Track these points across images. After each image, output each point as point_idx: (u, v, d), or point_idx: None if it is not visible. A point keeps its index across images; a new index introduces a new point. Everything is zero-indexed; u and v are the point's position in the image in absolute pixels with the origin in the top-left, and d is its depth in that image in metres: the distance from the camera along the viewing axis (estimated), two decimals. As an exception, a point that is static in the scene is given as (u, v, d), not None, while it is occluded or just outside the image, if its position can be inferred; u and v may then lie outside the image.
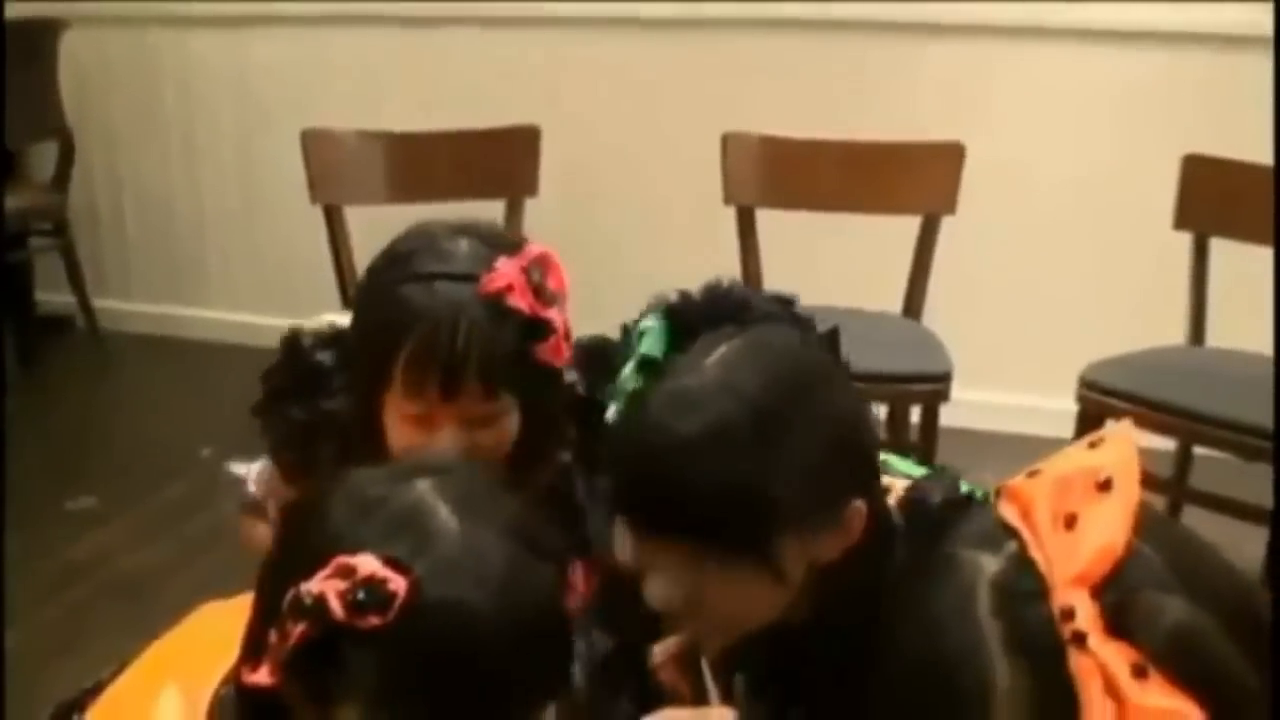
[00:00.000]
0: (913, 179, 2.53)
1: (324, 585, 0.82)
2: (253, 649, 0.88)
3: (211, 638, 0.97)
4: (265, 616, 0.87)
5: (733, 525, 0.99)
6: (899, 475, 1.15)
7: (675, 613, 1.05)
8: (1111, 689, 0.73)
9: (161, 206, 4.07)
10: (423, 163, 2.61)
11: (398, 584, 0.81)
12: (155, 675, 0.99)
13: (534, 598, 0.85)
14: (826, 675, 1.03)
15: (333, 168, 2.54)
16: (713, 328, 1.11)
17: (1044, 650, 0.75)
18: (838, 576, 1.06)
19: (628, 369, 1.11)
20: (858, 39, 3.24)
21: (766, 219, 2.57)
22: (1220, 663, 0.75)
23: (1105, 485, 0.78)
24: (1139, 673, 0.73)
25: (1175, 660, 0.74)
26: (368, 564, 0.82)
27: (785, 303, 1.29)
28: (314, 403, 1.36)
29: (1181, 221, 2.49)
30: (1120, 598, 0.75)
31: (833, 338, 1.25)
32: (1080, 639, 0.74)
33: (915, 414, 2.41)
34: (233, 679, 0.92)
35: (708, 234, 2.64)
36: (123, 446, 3.47)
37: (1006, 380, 3.20)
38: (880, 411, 2.35)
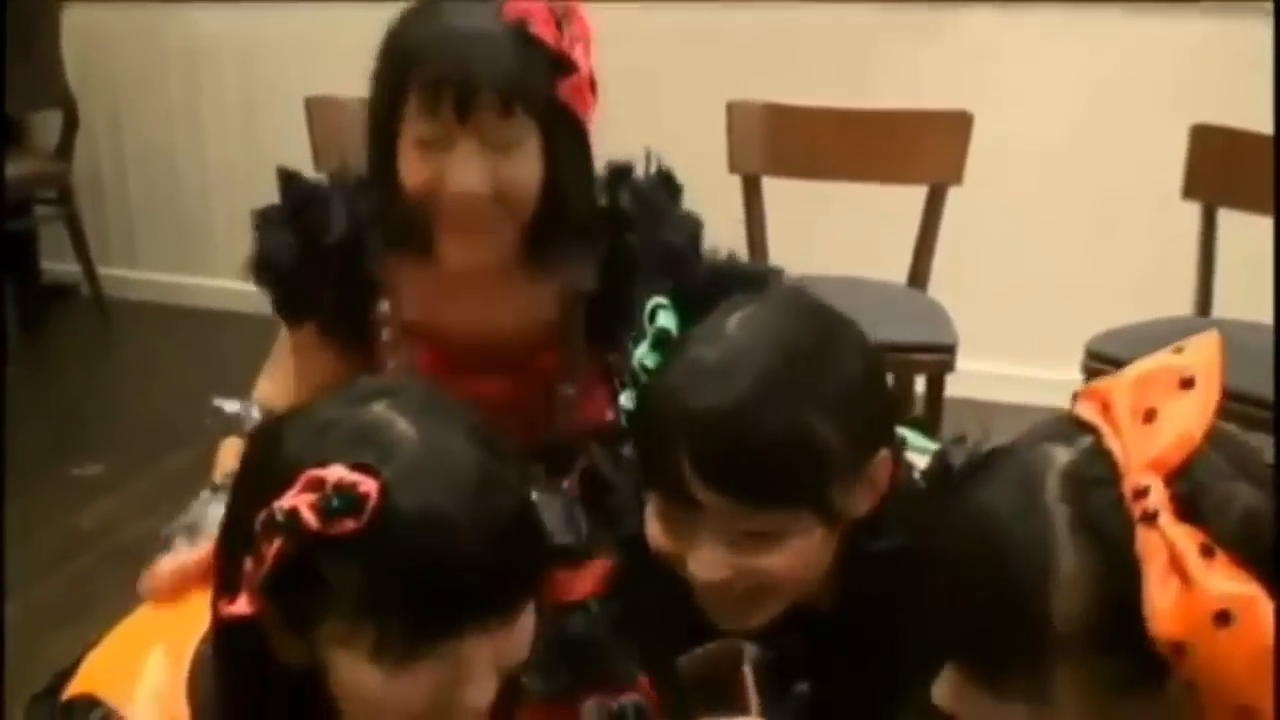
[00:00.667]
0: (919, 148, 2.51)
1: (295, 499, 0.82)
2: (227, 582, 0.88)
3: (196, 599, 0.98)
4: (237, 546, 0.87)
5: (791, 475, 0.99)
6: (916, 451, 1.14)
7: (723, 584, 1.04)
8: (1178, 568, 0.73)
9: (166, 174, 4.06)
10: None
11: (369, 485, 0.82)
12: (139, 636, 1.00)
13: (503, 497, 0.86)
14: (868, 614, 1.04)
15: (337, 136, 2.53)
16: (722, 296, 1.10)
17: (1111, 530, 0.76)
18: (866, 539, 1.06)
19: (642, 348, 1.10)
20: (864, 8, 3.21)
21: (772, 188, 2.55)
22: None
23: (1187, 383, 0.79)
24: (1207, 552, 0.73)
25: (1244, 544, 0.74)
26: (336, 471, 0.83)
27: (775, 274, 1.28)
28: (311, 234, 1.34)
29: (1190, 192, 2.47)
30: (1192, 487, 0.75)
31: None
32: (1150, 518, 0.74)
33: (920, 384, 2.41)
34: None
35: (711, 202, 2.62)
36: (128, 415, 3.47)
37: (1012, 351, 3.19)
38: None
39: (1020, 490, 0.80)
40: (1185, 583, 0.73)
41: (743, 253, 2.52)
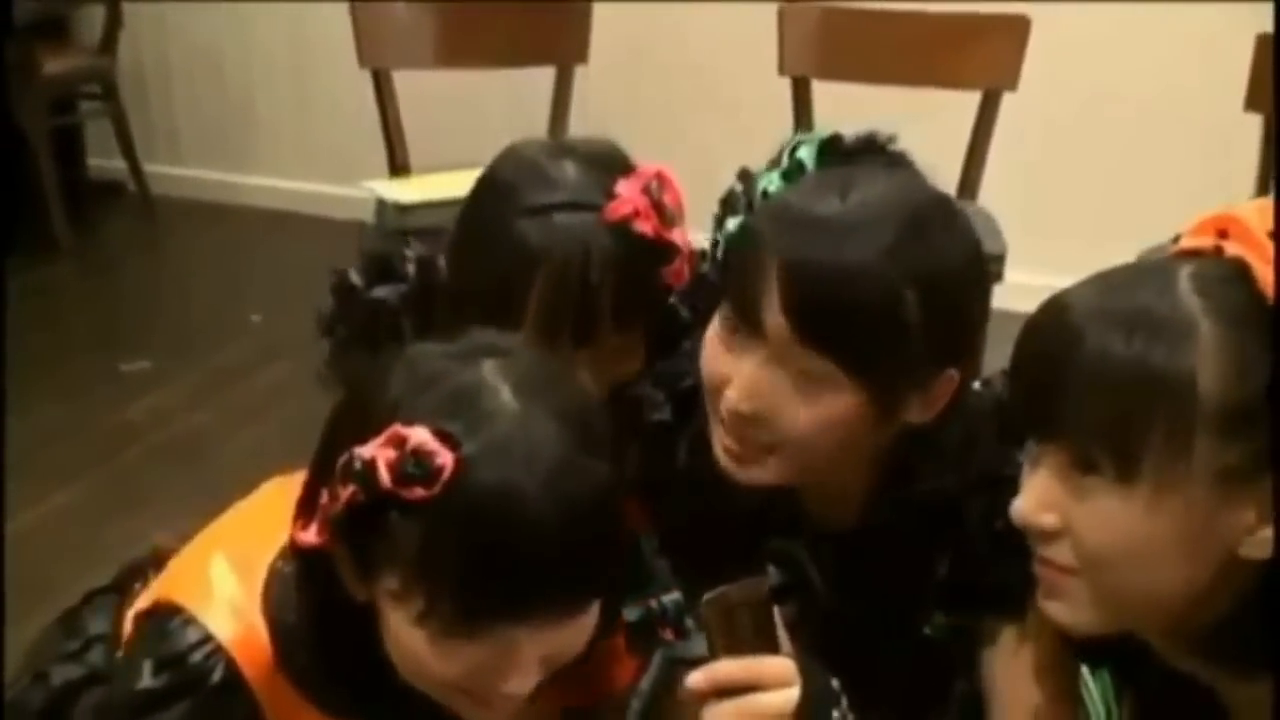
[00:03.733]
0: (974, 52, 2.45)
1: (376, 452, 0.83)
2: (306, 507, 0.90)
3: (274, 512, 0.99)
4: (320, 476, 0.88)
5: (865, 331, 0.98)
6: None
7: (749, 420, 1.03)
8: None
9: (210, 71, 4.04)
10: (472, 27, 2.57)
11: (445, 458, 0.82)
12: (217, 547, 1.01)
13: (584, 489, 0.85)
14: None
15: (381, 31, 2.51)
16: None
17: (1250, 311, 0.80)
18: (909, 467, 1.06)
19: (772, 175, 1.08)
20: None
21: (822, 91, 2.51)
22: None
23: None
24: None
25: None
26: (419, 435, 0.83)
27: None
28: (379, 351, 1.30)
29: (1252, 103, 2.41)
30: None
31: None
32: None
33: (967, 295, 2.39)
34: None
35: (760, 105, 2.59)
36: (174, 311, 3.51)
37: (1062, 263, 3.10)
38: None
39: (1150, 288, 0.83)
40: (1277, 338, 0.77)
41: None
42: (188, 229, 3.96)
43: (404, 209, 2.20)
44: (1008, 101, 2.46)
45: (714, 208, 1.23)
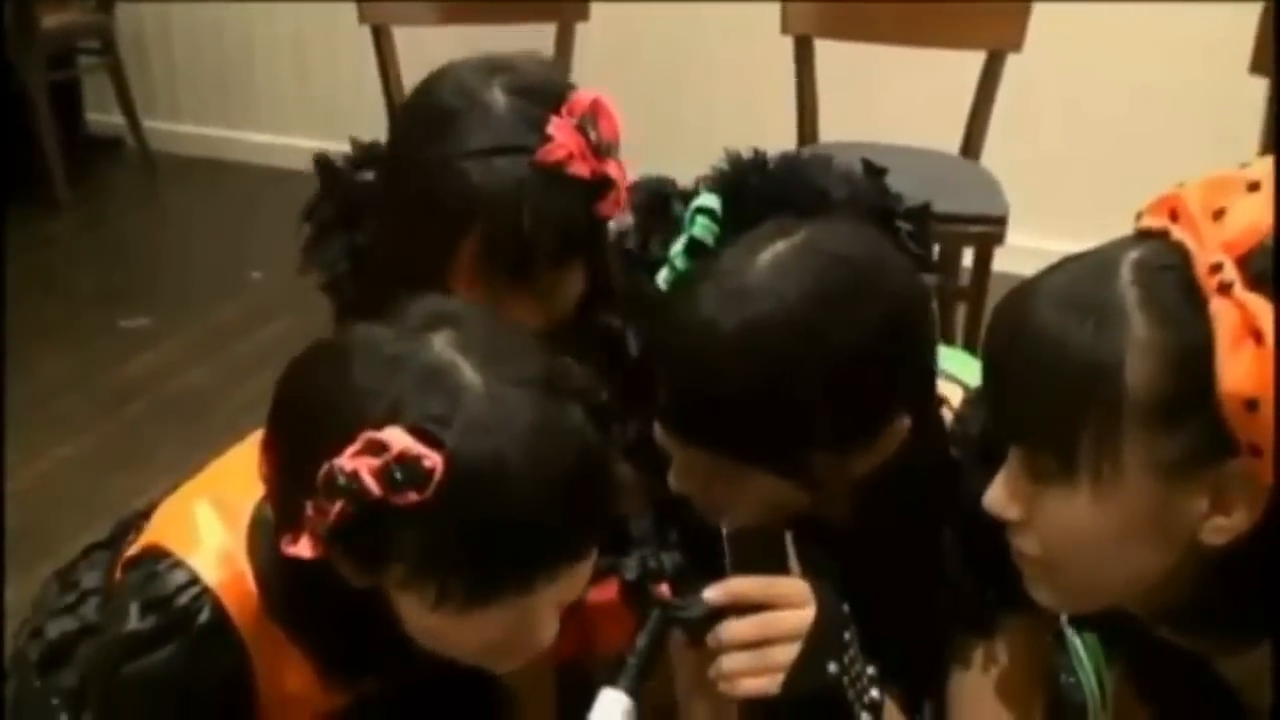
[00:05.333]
0: (979, 12, 2.43)
1: (356, 463, 0.81)
2: (287, 519, 0.87)
3: (243, 453, 0.99)
4: (295, 486, 0.86)
5: (757, 436, 0.97)
6: (950, 380, 1.11)
7: (695, 500, 1.05)
8: (1251, 329, 0.76)
9: (210, 26, 4.01)
10: (473, -16, 2.55)
11: (433, 460, 0.81)
12: (202, 494, 1.01)
13: (565, 445, 0.85)
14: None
15: (381, -12, 2.49)
16: (775, 211, 1.05)
17: (1181, 307, 0.80)
18: (881, 483, 1.05)
19: (678, 246, 1.08)
20: None
21: (825, 50, 2.49)
22: None
23: (1254, 186, 0.81)
24: None
25: None
26: (399, 439, 0.81)
27: (876, 173, 1.22)
28: (362, 234, 1.31)
29: (1257, 66, 2.39)
30: (1261, 269, 0.78)
31: (922, 215, 1.20)
32: (1226, 288, 0.77)
33: (968, 257, 2.38)
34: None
35: (763, 63, 2.57)
36: (174, 268, 3.51)
37: (1064, 226, 3.11)
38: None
39: (1093, 277, 0.83)
40: (1259, 343, 0.76)
41: (792, 117, 2.49)
42: (187, 185, 3.95)
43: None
44: (1012, 62, 2.44)
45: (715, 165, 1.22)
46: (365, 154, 1.34)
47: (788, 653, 0.94)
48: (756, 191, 1.10)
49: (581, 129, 1.14)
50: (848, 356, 0.96)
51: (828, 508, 1.10)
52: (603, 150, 1.15)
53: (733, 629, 0.95)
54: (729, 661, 0.95)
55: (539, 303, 1.16)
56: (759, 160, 1.21)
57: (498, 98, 1.15)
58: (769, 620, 0.94)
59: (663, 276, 1.09)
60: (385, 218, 1.24)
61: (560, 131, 1.12)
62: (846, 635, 0.97)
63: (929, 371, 1.05)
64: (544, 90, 1.17)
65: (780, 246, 0.99)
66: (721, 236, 1.05)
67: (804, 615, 0.94)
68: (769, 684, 0.94)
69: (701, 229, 1.05)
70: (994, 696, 1.07)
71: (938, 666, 1.10)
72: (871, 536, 1.10)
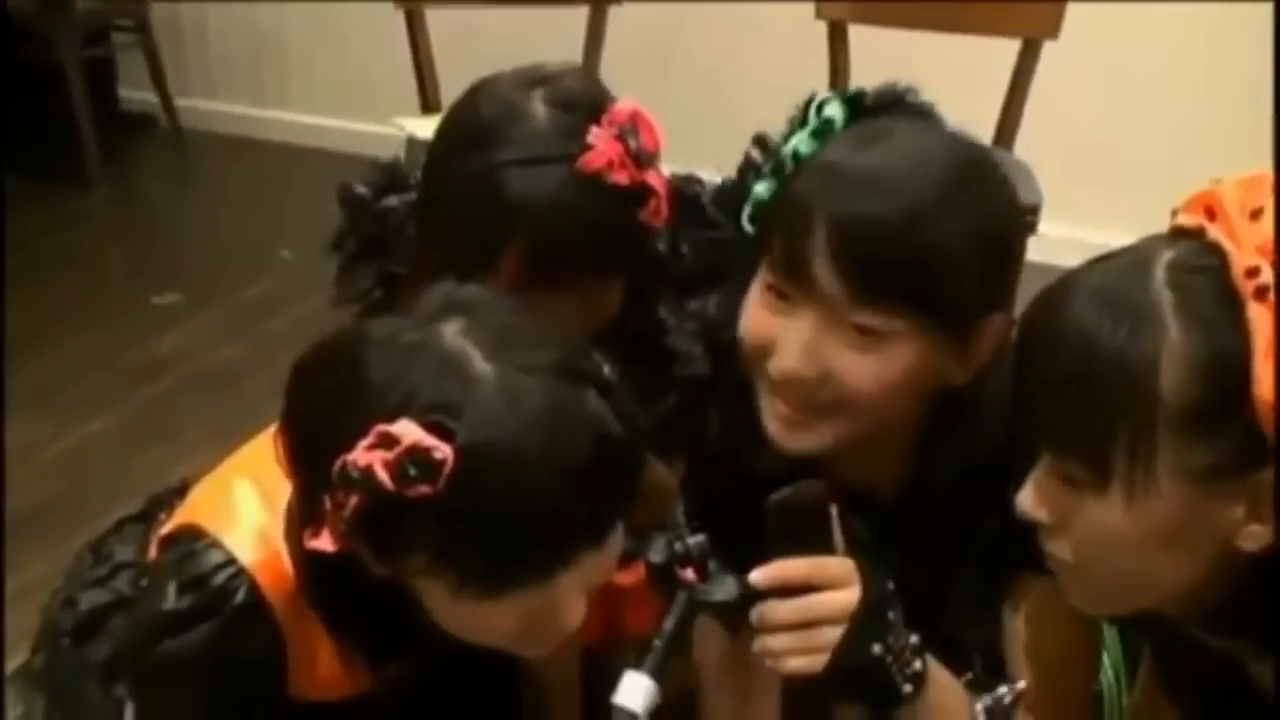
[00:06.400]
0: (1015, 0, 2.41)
1: (369, 456, 0.81)
2: (308, 514, 0.88)
3: None
4: (314, 480, 0.86)
5: (920, 276, 0.98)
6: None
7: (800, 384, 1.02)
8: None
9: (242, 4, 4.02)
10: (506, -35, 2.54)
11: (444, 452, 0.81)
12: (241, 474, 1.02)
13: (579, 431, 0.85)
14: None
15: (414, -32, 2.49)
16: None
17: (1217, 311, 0.78)
18: (943, 436, 1.05)
19: (801, 135, 1.06)
20: None
21: (859, 36, 2.47)
22: None
23: None
24: None
25: None
26: (410, 432, 0.81)
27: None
28: (389, 261, 1.30)
29: (1298, 56, 2.36)
30: None
31: None
32: (1262, 292, 0.76)
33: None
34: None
35: (796, 48, 2.56)
36: (205, 245, 3.52)
37: (1099, 217, 3.10)
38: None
39: (1127, 279, 0.82)
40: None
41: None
42: (219, 163, 3.96)
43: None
44: (1050, 49, 2.42)
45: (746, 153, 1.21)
46: (388, 179, 1.33)
47: (833, 634, 0.93)
48: (875, 99, 1.10)
49: (621, 138, 1.14)
50: (998, 209, 1.03)
51: (878, 474, 1.10)
52: (643, 160, 1.15)
53: (778, 611, 0.94)
54: (774, 641, 0.95)
55: (578, 310, 1.15)
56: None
57: (538, 108, 1.15)
58: (814, 603, 0.94)
59: (763, 187, 1.08)
60: (422, 232, 1.24)
61: (600, 140, 1.13)
62: (891, 615, 0.96)
63: (1018, 269, 1.08)
64: (584, 101, 1.17)
65: (918, 125, 1.06)
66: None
67: (850, 596, 0.94)
68: (813, 664, 0.94)
69: (833, 108, 1.06)
70: (1057, 632, 1.06)
71: (985, 619, 1.10)
72: (921, 504, 1.09)
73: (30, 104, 3.57)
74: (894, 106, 1.09)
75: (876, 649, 0.95)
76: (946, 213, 0.98)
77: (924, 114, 1.10)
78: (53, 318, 2.91)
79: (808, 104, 1.09)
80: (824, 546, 0.95)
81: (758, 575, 0.95)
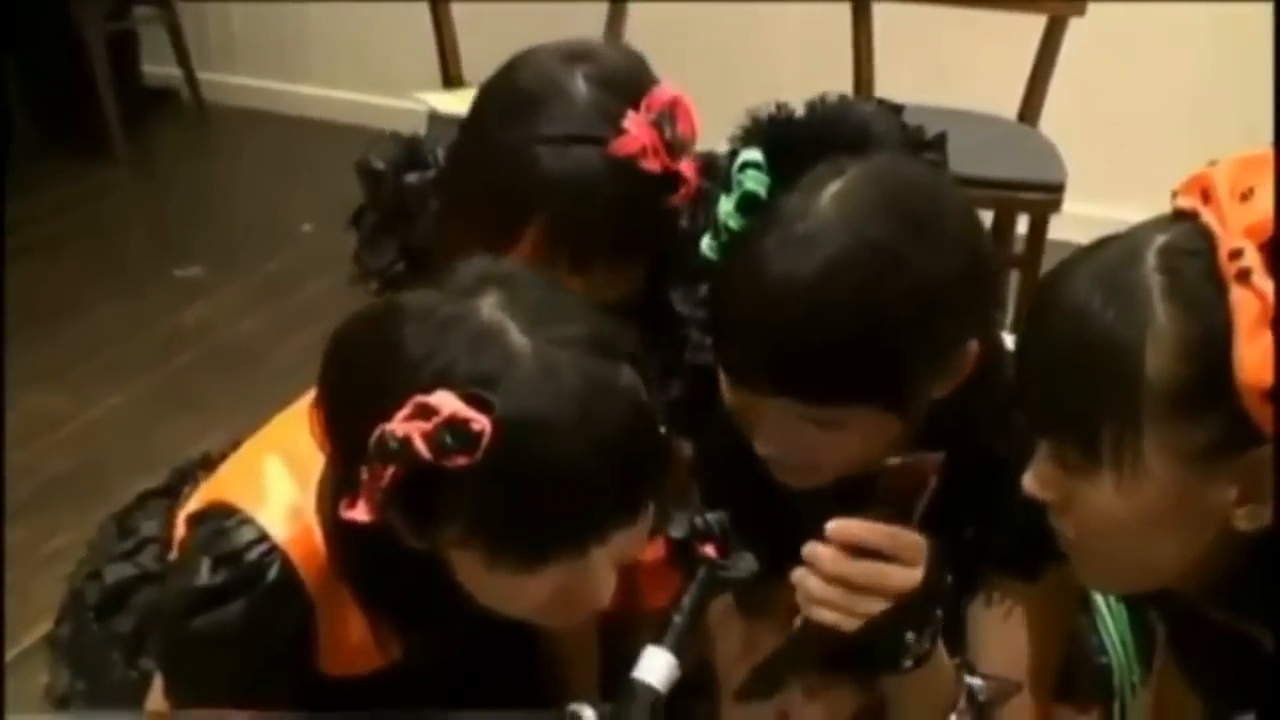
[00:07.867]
0: (1042, -25, 2.39)
1: (407, 427, 0.82)
2: (345, 484, 0.88)
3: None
4: (351, 451, 0.86)
5: (860, 375, 0.96)
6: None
7: (787, 465, 1.04)
8: (1270, 320, 0.75)
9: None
10: (528, -60, 2.53)
11: (481, 423, 0.81)
12: (271, 450, 1.02)
13: (615, 405, 0.85)
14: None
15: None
16: (822, 156, 1.02)
17: (1203, 295, 0.78)
18: (946, 410, 1.04)
19: (727, 206, 1.03)
20: None
21: (883, 12, 2.46)
22: None
23: None
24: None
25: None
26: (448, 403, 0.81)
27: (894, 110, 1.21)
28: (410, 235, 1.30)
29: (1329, 33, 2.33)
30: None
31: (942, 145, 1.18)
32: (1244, 275, 0.76)
33: (1023, 224, 2.35)
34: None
35: (820, 25, 2.55)
36: (227, 219, 3.53)
37: (1124, 195, 3.06)
38: (985, 220, 2.30)
39: (1119, 264, 0.82)
40: (1278, 333, 0.74)
41: (848, 79, 2.46)
42: (241, 137, 3.97)
43: (455, 121, 2.18)
44: (1076, 26, 2.40)
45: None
46: (408, 154, 1.33)
47: (878, 605, 0.93)
48: (801, 136, 1.06)
49: (658, 125, 1.13)
50: (934, 274, 0.95)
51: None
52: (676, 148, 1.14)
53: (839, 564, 0.93)
54: (819, 589, 0.94)
55: (596, 291, 1.15)
56: (788, 111, 1.16)
57: (579, 87, 1.14)
58: (877, 571, 0.93)
59: (707, 244, 1.05)
60: (448, 200, 1.23)
61: (635, 126, 1.12)
62: (938, 611, 0.96)
63: (994, 289, 1.06)
64: (626, 82, 1.16)
65: (842, 183, 0.98)
66: (772, 188, 1.03)
67: (912, 577, 0.94)
68: (846, 623, 0.94)
69: (753, 181, 1.02)
70: (1018, 640, 1.07)
71: (960, 623, 1.10)
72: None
73: (54, 78, 3.58)
74: (822, 144, 1.04)
75: (910, 636, 0.95)
76: (886, 298, 0.94)
77: (860, 141, 1.04)
78: (75, 290, 2.92)
79: (732, 155, 1.05)
80: (907, 519, 0.95)
81: (835, 527, 0.94)
